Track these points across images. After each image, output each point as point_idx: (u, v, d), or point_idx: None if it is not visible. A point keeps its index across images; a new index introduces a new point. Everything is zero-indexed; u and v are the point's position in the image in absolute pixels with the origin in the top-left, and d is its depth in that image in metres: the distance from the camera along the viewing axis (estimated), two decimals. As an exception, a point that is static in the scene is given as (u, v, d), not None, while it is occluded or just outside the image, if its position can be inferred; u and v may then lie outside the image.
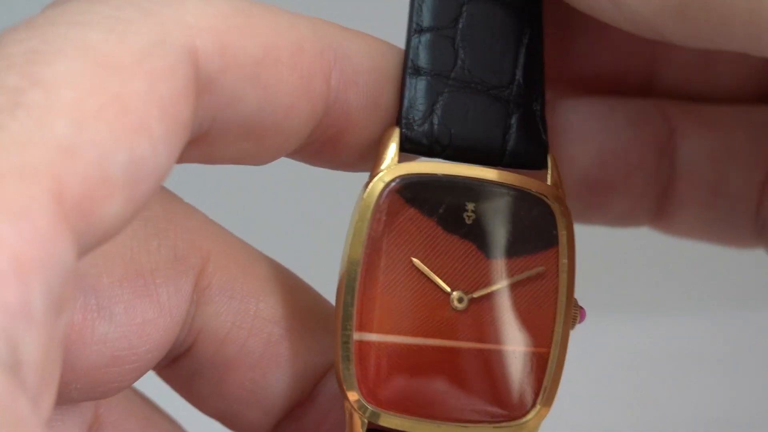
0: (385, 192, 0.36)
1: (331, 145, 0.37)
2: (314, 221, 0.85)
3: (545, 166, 0.37)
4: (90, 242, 0.29)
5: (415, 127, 0.36)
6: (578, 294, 0.35)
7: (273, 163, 0.38)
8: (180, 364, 0.40)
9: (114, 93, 0.29)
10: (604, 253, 0.94)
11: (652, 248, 0.96)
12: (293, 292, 0.40)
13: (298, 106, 0.35)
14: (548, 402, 0.37)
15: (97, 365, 0.36)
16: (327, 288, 0.41)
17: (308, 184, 0.86)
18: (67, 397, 0.37)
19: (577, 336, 0.89)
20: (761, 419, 0.81)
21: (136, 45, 0.30)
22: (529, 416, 0.37)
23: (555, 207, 0.37)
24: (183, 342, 0.39)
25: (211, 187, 0.79)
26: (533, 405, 0.37)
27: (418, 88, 0.37)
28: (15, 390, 0.26)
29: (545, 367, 0.37)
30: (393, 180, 0.36)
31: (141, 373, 0.38)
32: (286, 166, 0.41)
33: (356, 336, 0.36)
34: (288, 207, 0.91)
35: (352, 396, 0.36)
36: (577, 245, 0.37)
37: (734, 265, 0.97)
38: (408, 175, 0.36)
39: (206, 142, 0.35)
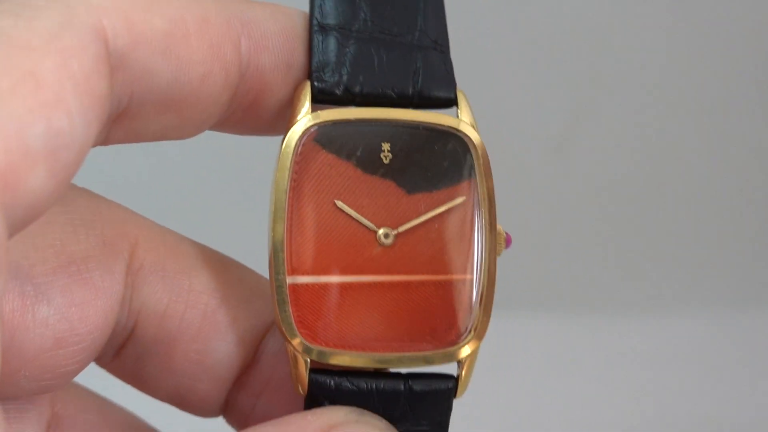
0: (302, 141, 0.38)
1: (253, 111, 0.39)
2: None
3: (455, 104, 0.39)
4: (18, 216, 0.31)
5: (326, 79, 0.38)
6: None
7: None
8: (126, 351, 0.42)
9: (27, 70, 0.31)
10: (604, 253, 0.96)
11: (652, 248, 0.97)
12: (223, 266, 0.42)
13: (211, 74, 0.37)
14: (481, 327, 0.38)
15: (42, 349, 0.38)
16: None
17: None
18: (17, 386, 0.38)
19: (577, 335, 0.89)
20: (761, 419, 0.81)
21: (45, 27, 0.32)
22: (463, 342, 0.38)
23: (468, 139, 0.38)
24: (125, 325, 0.41)
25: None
26: (467, 331, 0.38)
27: (325, 43, 0.38)
28: None
29: (476, 293, 0.38)
30: (308, 129, 0.38)
31: (87, 357, 0.39)
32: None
33: (289, 280, 0.38)
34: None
35: (293, 338, 0.38)
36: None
37: (734, 265, 0.98)
38: (322, 123, 0.38)
39: (128, 118, 0.36)
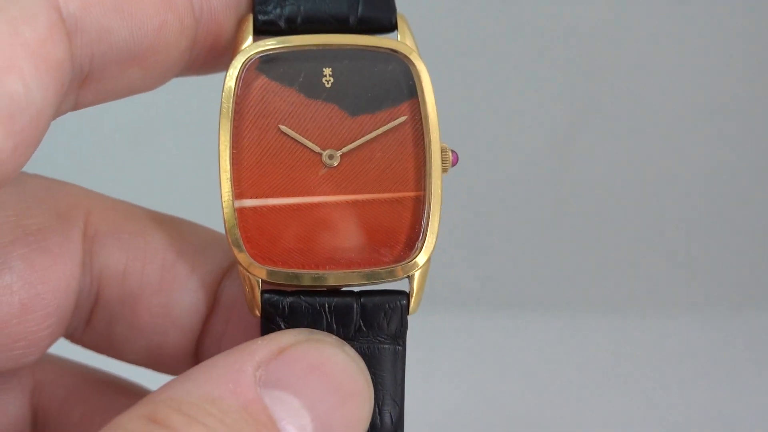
0: (245, 70, 0.39)
1: (214, 52, 0.40)
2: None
3: (396, 28, 0.40)
4: None
5: (268, 11, 0.39)
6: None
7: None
8: (95, 318, 0.43)
9: None
10: (604, 253, 0.95)
11: (652, 248, 0.96)
12: (175, 225, 0.43)
13: (167, 24, 0.38)
14: (429, 242, 0.39)
15: (11, 315, 0.39)
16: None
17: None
18: None
19: (577, 335, 0.88)
20: (760, 419, 0.80)
21: None
22: (412, 257, 0.39)
23: (408, 60, 0.39)
24: (89, 291, 0.42)
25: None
26: (416, 247, 0.39)
27: None
28: None
29: (422, 210, 0.39)
30: (250, 59, 0.39)
31: (55, 324, 0.41)
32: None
33: (237, 204, 0.38)
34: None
35: (243, 259, 0.38)
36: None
37: (733, 266, 0.97)
38: (263, 51, 0.39)
39: (94, 79, 0.38)
